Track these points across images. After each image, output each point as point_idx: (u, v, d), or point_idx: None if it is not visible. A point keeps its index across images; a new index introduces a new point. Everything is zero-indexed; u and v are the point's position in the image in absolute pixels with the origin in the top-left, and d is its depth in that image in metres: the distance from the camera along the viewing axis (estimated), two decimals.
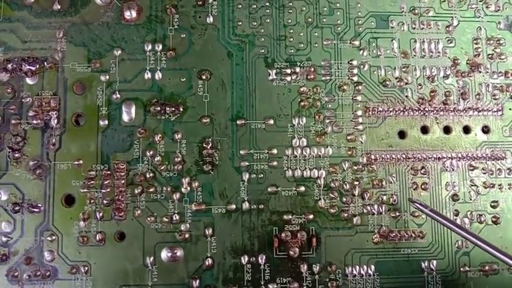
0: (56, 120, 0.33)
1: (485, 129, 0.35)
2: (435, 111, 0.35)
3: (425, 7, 0.36)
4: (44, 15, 0.34)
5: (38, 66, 0.34)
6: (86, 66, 0.34)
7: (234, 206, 0.33)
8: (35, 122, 0.33)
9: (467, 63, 0.35)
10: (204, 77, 0.34)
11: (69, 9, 0.34)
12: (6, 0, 0.34)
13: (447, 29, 0.36)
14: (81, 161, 0.33)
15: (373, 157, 0.34)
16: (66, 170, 0.33)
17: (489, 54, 0.35)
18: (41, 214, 0.33)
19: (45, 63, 0.34)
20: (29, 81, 0.34)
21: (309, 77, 0.34)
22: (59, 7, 0.34)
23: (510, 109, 0.35)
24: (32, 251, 0.32)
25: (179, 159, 0.33)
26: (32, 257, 0.32)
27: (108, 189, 0.33)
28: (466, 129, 0.35)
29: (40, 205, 0.33)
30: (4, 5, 0.34)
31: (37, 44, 0.34)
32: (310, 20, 0.35)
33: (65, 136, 0.33)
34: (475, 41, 0.36)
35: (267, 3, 0.35)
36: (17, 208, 0.33)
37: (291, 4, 0.35)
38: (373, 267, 0.33)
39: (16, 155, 0.33)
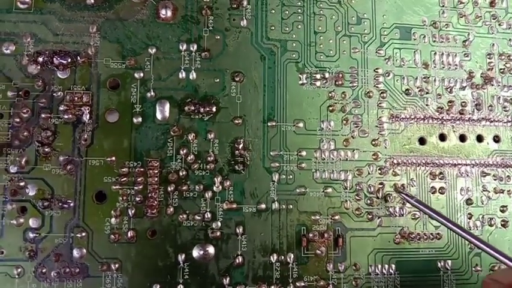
0: (88, 116, 0.33)
1: (496, 139, 0.38)
2: (452, 120, 0.37)
3: (445, 22, 0.38)
4: (77, 9, 0.34)
5: (69, 60, 0.33)
6: (120, 62, 0.34)
7: (264, 206, 0.34)
8: (66, 116, 0.33)
9: (481, 76, 0.38)
10: (237, 79, 0.35)
11: (103, 4, 0.34)
12: None
13: (464, 43, 0.38)
14: (113, 158, 0.33)
15: (395, 162, 0.36)
16: (98, 166, 0.33)
17: (501, 69, 0.38)
18: (71, 210, 0.32)
19: (79, 58, 0.33)
20: (60, 75, 0.33)
21: (337, 82, 0.36)
22: (92, 1, 0.34)
23: None
24: (61, 247, 0.32)
25: (212, 158, 0.34)
26: (61, 254, 0.32)
27: (141, 187, 0.33)
28: (479, 138, 0.37)
29: (70, 201, 0.32)
30: None
31: (69, 37, 0.33)
32: (339, 28, 0.36)
33: (97, 132, 0.33)
34: (488, 56, 0.38)
35: (299, 10, 0.36)
36: (46, 204, 0.32)
37: (321, 12, 0.36)
38: (394, 266, 0.35)
39: (46, 150, 0.32)
